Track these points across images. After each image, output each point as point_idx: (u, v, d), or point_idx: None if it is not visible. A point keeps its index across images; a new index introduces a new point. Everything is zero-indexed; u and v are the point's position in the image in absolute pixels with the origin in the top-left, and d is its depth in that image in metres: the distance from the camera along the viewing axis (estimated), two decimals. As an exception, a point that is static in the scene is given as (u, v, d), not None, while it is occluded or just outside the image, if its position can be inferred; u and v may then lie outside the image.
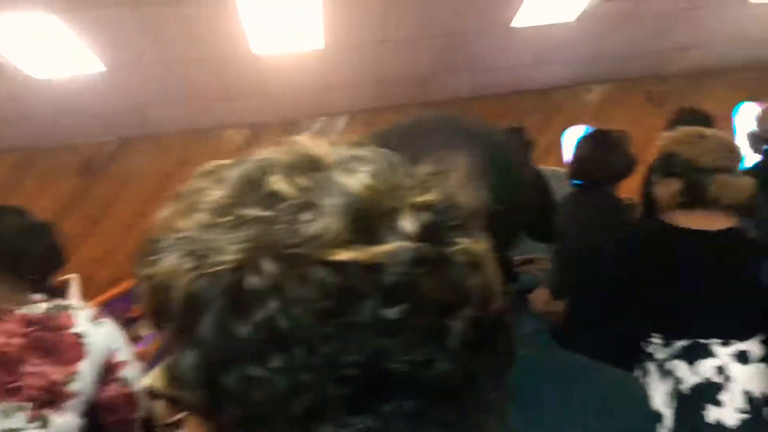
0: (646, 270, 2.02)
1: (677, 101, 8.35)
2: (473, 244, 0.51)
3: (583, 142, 3.73)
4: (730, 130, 8.55)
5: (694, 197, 1.98)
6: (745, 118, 8.73)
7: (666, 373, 1.99)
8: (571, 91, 8.37)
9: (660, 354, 2.01)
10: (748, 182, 1.97)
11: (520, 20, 6.04)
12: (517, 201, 0.80)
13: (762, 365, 1.95)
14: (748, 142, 4.03)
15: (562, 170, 4.18)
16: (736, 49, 7.77)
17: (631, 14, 6.21)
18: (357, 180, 0.50)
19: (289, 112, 7.78)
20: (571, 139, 8.58)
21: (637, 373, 2.12)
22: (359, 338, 0.46)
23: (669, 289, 2.00)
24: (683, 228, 2.00)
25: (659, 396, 2.04)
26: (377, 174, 0.51)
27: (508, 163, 0.82)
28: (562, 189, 3.91)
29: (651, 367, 2.03)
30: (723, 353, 1.92)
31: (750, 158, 3.82)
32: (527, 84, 8.02)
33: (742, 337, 1.96)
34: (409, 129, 0.87)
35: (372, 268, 0.47)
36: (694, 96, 8.21)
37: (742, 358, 1.94)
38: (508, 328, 0.53)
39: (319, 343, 0.46)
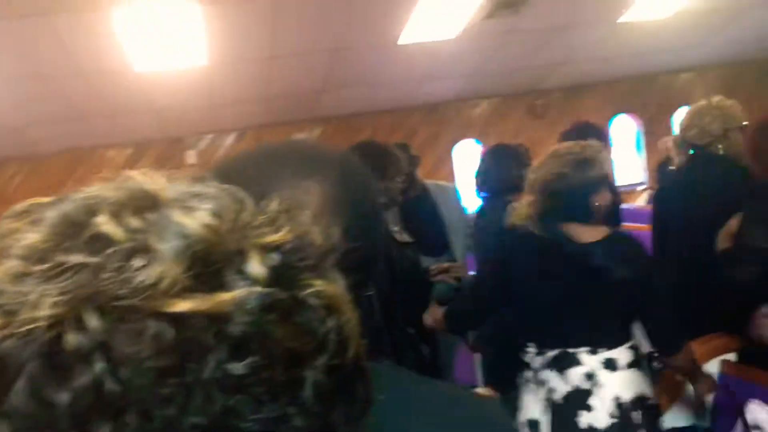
0: (515, 279, 2.12)
1: (556, 114, 8.84)
2: (328, 285, 0.48)
3: (487, 156, 3.84)
4: (607, 139, 9.12)
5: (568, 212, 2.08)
6: (619, 129, 9.36)
7: (540, 383, 2.07)
8: (458, 105, 8.63)
9: (535, 363, 2.09)
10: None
11: (405, 37, 6.16)
12: (373, 231, 0.76)
13: (630, 371, 2.02)
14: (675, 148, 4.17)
15: (450, 184, 4.26)
16: (607, 65, 8.31)
17: (510, 32, 6.49)
18: (197, 219, 0.45)
19: (174, 129, 7.52)
20: (460, 152, 8.84)
21: (519, 381, 2.19)
22: (203, 398, 0.41)
23: (538, 299, 2.08)
24: (545, 237, 2.08)
25: (536, 404, 2.11)
26: (220, 212, 0.46)
27: (362, 190, 0.78)
28: (449, 203, 3.99)
29: (528, 375, 2.10)
30: (591, 361, 1.99)
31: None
32: (416, 99, 8.20)
33: (611, 345, 2.02)
34: (255, 160, 0.80)
35: (216, 318, 0.42)
36: (572, 109, 8.72)
37: (611, 365, 2.01)
38: (366, 374, 0.50)
39: (155, 407, 0.41)
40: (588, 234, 2.05)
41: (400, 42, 6.26)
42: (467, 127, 8.75)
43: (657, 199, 3.54)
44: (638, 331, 2.20)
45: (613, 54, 7.90)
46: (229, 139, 8.13)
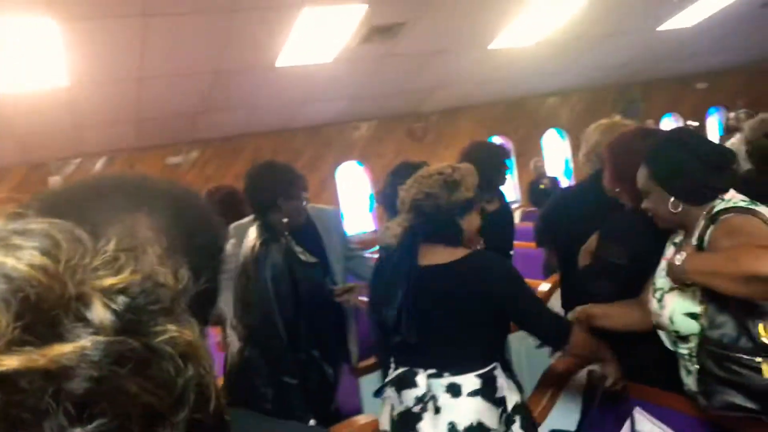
0: (381, 300, 2.10)
1: (435, 136, 9.10)
2: (183, 330, 0.41)
3: (392, 174, 3.84)
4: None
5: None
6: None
7: (387, 399, 2.09)
8: (341, 127, 8.66)
9: (389, 377, 2.11)
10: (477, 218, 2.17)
11: (283, 60, 6.11)
12: (213, 268, 0.70)
13: (474, 399, 2.00)
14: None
15: (329, 207, 4.22)
16: (481, 89, 8.68)
17: (386, 57, 6.61)
18: (23, 260, 0.38)
19: (36, 154, 7.00)
20: (343, 173, 8.87)
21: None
22: None
23: (386, 320, 2.06)
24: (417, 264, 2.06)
25: (386, 419, 2.12)
26: (52, 251, 0.39)
27: (198, 224, 0.72)
28: (328, 226, 3.95)
29: (389, 390, 2.11)
30: (433, 384, 1.98)
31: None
32: (298, 121, 8.14)
33: (458, 371, 2.00)
34: (83, 192, 0.72)
35: (53, 375, 0.35)
36: (449, 131, 9.02)
37: (454, 390, 1.99)
38: (228, 428, 0.44)
39: None
40: (440, 256, 2.06)
41: (278, 64, 6.20)
42: (349, 148, 8.80)
43: (546, 216, 3.66)
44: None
45: (486, 78, 8.26)
46: (99, 164, 7.68)
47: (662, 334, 1.90)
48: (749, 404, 1.63)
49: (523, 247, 5.63)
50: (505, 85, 8.78)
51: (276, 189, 2.65)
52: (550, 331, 2.09)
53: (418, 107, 8.76)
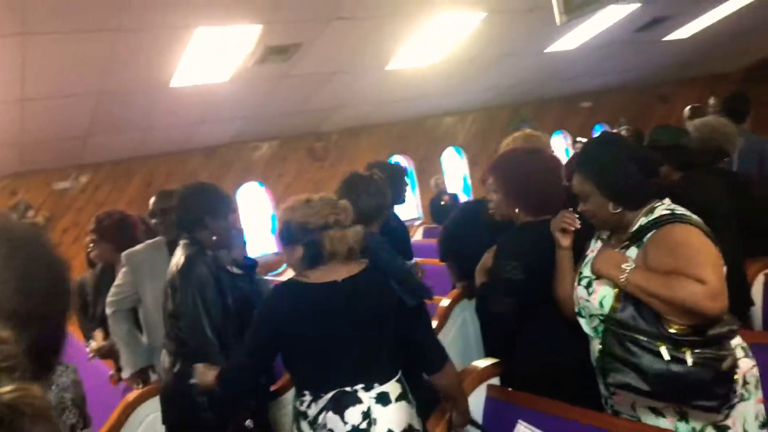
0: (280, 328, 2.07)
1: (336, 156, 9.12)
2: (28, 389, 0.38)
3: (340, 188, 3.78)
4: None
5: (315, 256, 2.10)
6: (394, 168, 9.90)
7: (321, 428, 2.03)
8: (239, 148, 8.52)
9: (312, 410, 2.07)
10: (355, 231, 2.14)
11: (177, 80, 5.96)
12: (51, 316, 0.65)
13: (400, 404, 2.07)
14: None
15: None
16: (381, 109, 8.80)
17: (284, 77, 6.59)
18: None
19: None
20: (244, 195, 8.71)
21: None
22: None
23: (306, 344, 2.06)
24: (310, 283, 2.08)
25: None
26: None
27: (35, 263, 0.66)
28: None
29: (304, 425, 2.08)
30: (367, 398, 2.02)
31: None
32: (194, 142, 7.94)
33: (382, 380, 2.06)
34: None
35: None
36: (350, 150, 9.07)
37: (383, 399, 2.04)
38: None
39: None
40: (342, 272, 2.11)
41: (172, 84, 6.03)
42: (249, 169, 8.67)
43: (450, 230, 3.72)
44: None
45: (385, 99, 8.40)
46: (-24, 190, 7.17)
47: (583, 321, 2.00)
48: (642, 386, 1.74)
49: (427, 263, 5.70)
50: (404, 105, 8.95)
51: (203, 208, 2.73)
52: (435, 349, 2.19)
53: (319, 127, 8.77)
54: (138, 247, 3.68)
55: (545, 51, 8.34)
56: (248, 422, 2.59)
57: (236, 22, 5.24)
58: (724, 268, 1.78)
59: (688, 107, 5.70)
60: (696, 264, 1.72)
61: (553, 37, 7.87)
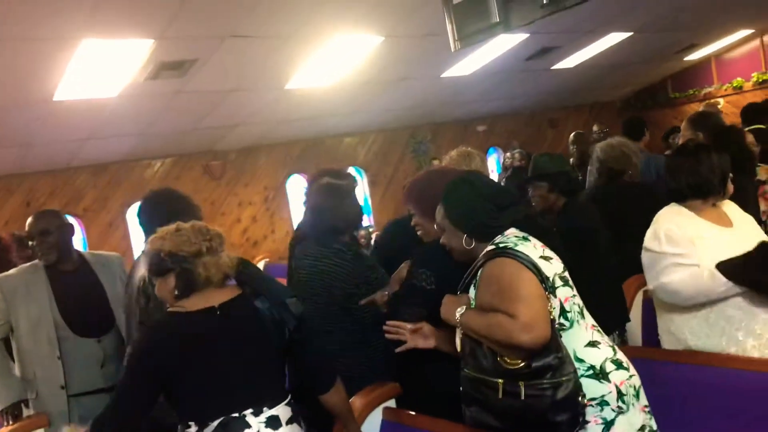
0: (158, 364, 2.00)
1: (234, 174, 8.93)
2: None
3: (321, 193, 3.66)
4: (284, 198, 9.50)
5: (189, 284, 2.07)
6: (294, 188, 9.82)
7: None
8: (131, 165, 8.15)
9: None
10: (229, 257, 2.14)
11: (62, 94, 5.62)
12: None
13: (290, 427, 2.07)
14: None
15: (112, 254, 3.94)
16: (280, 128, 8.71)
17: (178, 93, 6.38)
18: None
19: None
20: (134, 215, 8.31)
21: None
22: None
23: (188, 374, 2.00)
24: (188, 312, 2.05)
25: None
26: None
27: None
28: (111, 275, 3.67)
29: None
30: (256, 422, 1.99)
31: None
32: (81, 159, 7.51)
33: (272, 403, 2.05)
34: None
35: None
36: (248, 169, 8.91)
37: (274, 423, 2.03)
38: None
39: None
40: (217, 298, 2.06)
41: (56, 98, 5.69)
42: (141, 188, 8.27)
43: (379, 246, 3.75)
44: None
45: (284, 118, 8.32)
46: None
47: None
48: (492, 421, 1.81)
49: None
50: (304, 125, 8.91)
51: (170, 216, 2.65)
52: (323, 370, 2.24)
53: (216, 145, 8.56)
54: (11, 271, 3.46)
55: (441, 76, 8.57)
56: None
57: (126, 36, 5.03)
58: (552, 299, 1.85)
59: (573, 133, 6.07)
60: (507, 299, 1.81)
61: (449, 62, 8.11)
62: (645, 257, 2.50)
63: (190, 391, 2.03)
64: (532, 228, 2.04)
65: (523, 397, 1.77)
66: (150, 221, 2.81)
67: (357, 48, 6.74)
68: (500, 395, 1.78)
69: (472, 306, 1.95)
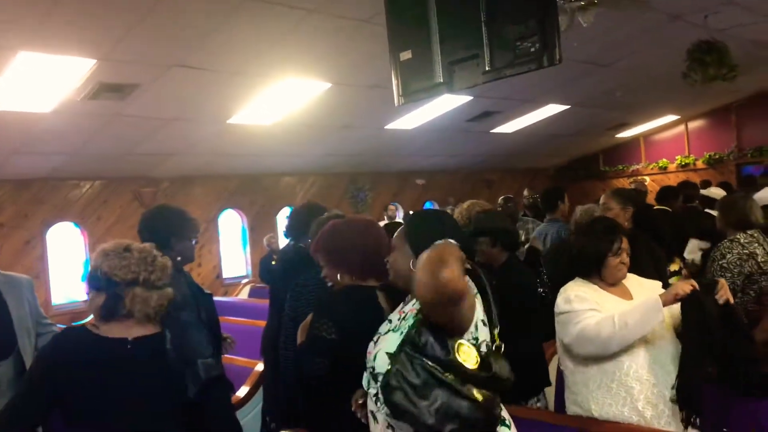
0: (55, 375, 1.94)
1: (163, 201, 8.70)
2: None
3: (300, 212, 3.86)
4: (215, 231, 9.32)
5: (111, 311, 2.01)
6: (228, 222, 9.67)
7: None
8: (56, 184, 7.84)
9: None
10: (162, 294, 2.07)
11: (-9, 104, 5.42)
12: None
13: None
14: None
15: (21, 276, 3.73)
16: (218, 161, 8.60)
17: (116, 116, 6.25)
18: None
19: None
20: (57, 234, 7.97)
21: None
22: None
23: (83, 401, 1.94)
24: (100, 336, 2.00)
25: None
26: None
27: None
28: (19, 297, 3.48)
29: None
30: None
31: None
32: (5, 172, 7.15)
33: None
34: None
35: None
36: (181, 199, 8.70)
37: None
38: None
39: None
40: (133, 331, 2.03)
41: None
42: (65, 208, 7.98)
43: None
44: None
45: (224, 151, 8.24)
46: None
47: (365, 375, 1.99)
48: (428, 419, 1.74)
49: (252, 324, 5.53)
50: (243, 160, 8.84)
51: (168, 229, 2.97)
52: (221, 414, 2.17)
53: (150, 172, 8.36)
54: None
55: (385, 127, 8.73)
56: None
57: (67, 53, 4.92)
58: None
59: (501, 197, 6.25)
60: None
61: (394, 115, 8.28)
62: (560, 320, 2.57)
63: (81, 422, 1.94)
64: (475, 281, 2.03)
65: (481, 400, 1.73)
66: (151, 237, 2.87)
67: (304, 91, 6.80)
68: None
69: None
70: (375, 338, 2.01)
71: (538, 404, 3.28)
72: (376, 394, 1.90)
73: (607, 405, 2.46)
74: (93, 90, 5.48)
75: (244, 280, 9.04)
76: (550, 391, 3.47)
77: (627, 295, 2.59)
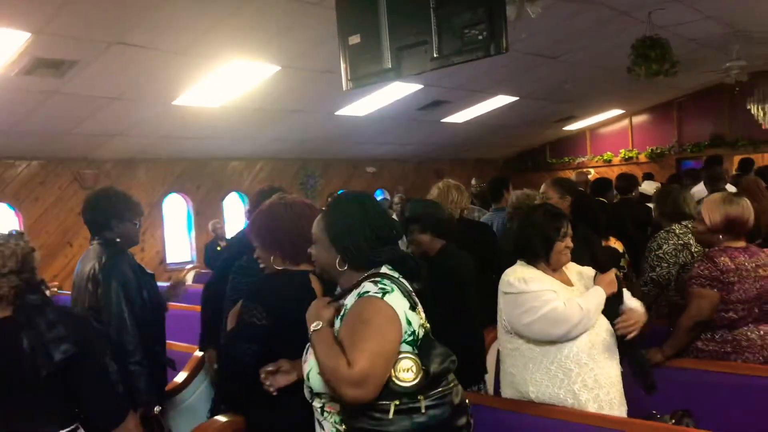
0: None
1: (106, 184, 8.43)
2: None
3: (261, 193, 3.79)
4: (159, 216, 9.10)
5: None
6: (173, 206, 9.46)
7: None
8: (-10, 164, 7.53)
9: None
10: (9, 280, 2.08)
11: None
12: None
13: None
14: None
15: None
16: (163, 143, 8.39)
17: (54, 93, 6.01)
18: None
19: None
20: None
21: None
22: None
23: None
24: None
25: None
26: None
27: None
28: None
29: None
30: None
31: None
32: (-68, 150, 6.85)
33: (53, 428, 2.00)
34: None
35: None
36: (125, 182, 8.45)
37: None
38: None
39: None
40: None
41: None
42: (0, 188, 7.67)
43: None
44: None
45: (170, 134, 8.03)
46: None
47: (305, 384, 1.95)
48: None
49: (197, 310, 5.41)
50: (190, 143, 8.65)
51: (110, 211, 3.04)
52: (106, 408, 2.14)
53: (91, 153, 8.09)
54: None
55: (336, 113, 8.66)
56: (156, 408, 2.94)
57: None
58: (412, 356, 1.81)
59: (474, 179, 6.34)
60: (357, 345, 1.74)
61: (344, 101, 8.21)
62: (510, 300, 2.55)
63: None
64: (406, 270, 1.99)
65: (424, 410, 1.74)
66: (94, 218, 3.07)
67: (252, 74, 6.67)
68: (391, 415, 1.73)
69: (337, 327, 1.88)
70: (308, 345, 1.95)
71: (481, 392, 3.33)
72: (322, 407, 1.89)
73: (544, 386, 2.49)
74: (28, 65, 5.25)
75: (189, 266, 8.88)
76: (488, 379, 3.51)
77: (568, 282, 2.63)
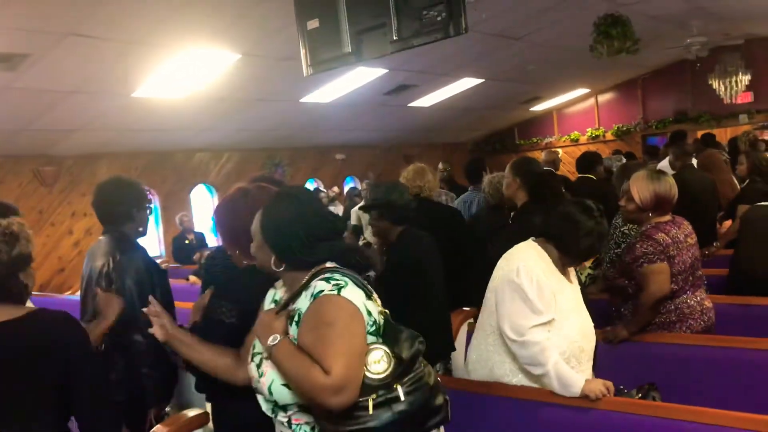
0: None
1: (68, 182, 8.28)
2: None
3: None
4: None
5: None
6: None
7: None
8: (-56, 163, 7.30)
9: None
10: None
11: None
12: None
13: None
14: None
15: None
16: (125, 137, 8.21)
17: (7, 89, 5.82)
18: None
19: None
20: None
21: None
22: None
23: None
24: None
25: None
26: None
27: None
28: None
29: None
30: None
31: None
32: None
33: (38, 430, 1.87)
34: None
35: None
36: (86, 178, 8.28)
37: None
38: None
39: None
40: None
41: None
42: (-46, 189, 7.45)
43: None
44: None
45: (131, 126, 7.87)
46: None
47: (260, 398, 1.87)
48: None
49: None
50: (152, 136, 8.48)
51: (130, 201, 2.94)
52: (100, 424, 1.97)
53: (50, 149, 7.89)
54: None
55: (300, 101, 8.56)
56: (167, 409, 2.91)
57: (-56, 18, 4.52)
58: (374, 352, 1.76)
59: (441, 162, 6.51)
60: (329, 350, 1.68)
61: (309, 88, 8.12)
62: (508, 287, 2.50)
63: None
64: (350, 262, 1.90)
65: (403, 398, 1.72)
66: (113, 209, 2.95)
67: (213, 62, 6.55)
68: (371, 411, 1.70)
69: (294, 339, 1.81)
70: (256, 360, 1.87)
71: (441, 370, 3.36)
72: (288, 420, 1.82)
73: (508, 363, 2.55)
74: (-23, 60, 5.08)
75: (157, 260, 8.74)
76: (457, 357, 3.53)
77: (570, 279, 2.66)
